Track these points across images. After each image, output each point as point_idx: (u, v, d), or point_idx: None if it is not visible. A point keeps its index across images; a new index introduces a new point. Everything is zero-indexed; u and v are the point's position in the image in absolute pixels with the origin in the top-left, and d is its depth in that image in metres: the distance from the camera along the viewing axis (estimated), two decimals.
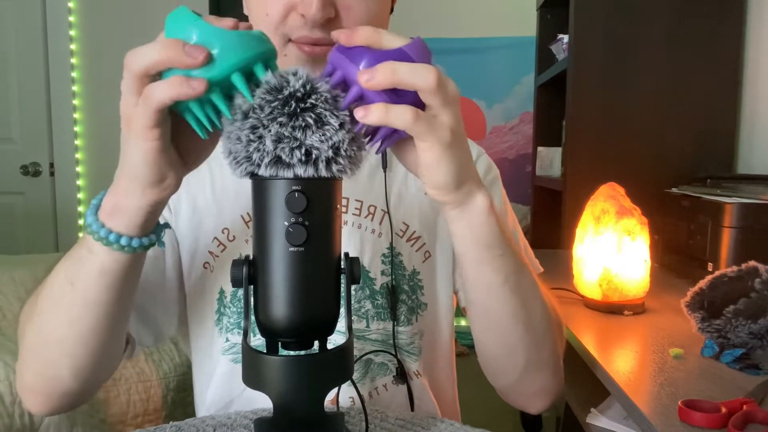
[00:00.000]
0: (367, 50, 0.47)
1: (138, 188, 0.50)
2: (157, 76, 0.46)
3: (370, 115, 0.46)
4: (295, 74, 0.45)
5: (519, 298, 0.60)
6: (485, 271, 0.58)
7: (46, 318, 0.58)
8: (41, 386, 0.62)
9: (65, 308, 0.56)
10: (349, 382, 0.52)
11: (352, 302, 0.72)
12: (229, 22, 0.46)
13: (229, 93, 0.46)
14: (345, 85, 0.48)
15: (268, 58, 0.47)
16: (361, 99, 0.47)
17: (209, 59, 0.44)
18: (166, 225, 0.56)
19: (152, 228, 0.54)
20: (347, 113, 0.46)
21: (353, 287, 0.71)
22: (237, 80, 0.45)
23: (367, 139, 0.50)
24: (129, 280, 0.56)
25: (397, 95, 0.46)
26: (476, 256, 0.57)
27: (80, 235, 2.81)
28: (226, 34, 0.45)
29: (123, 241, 0.52)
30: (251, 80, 0.46)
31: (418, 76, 0.46)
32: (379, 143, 0.50)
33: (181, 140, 0.51)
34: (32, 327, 0.60)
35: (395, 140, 0.51)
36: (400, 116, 0.46)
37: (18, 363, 0.63)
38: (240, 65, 0.45)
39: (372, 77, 0.45)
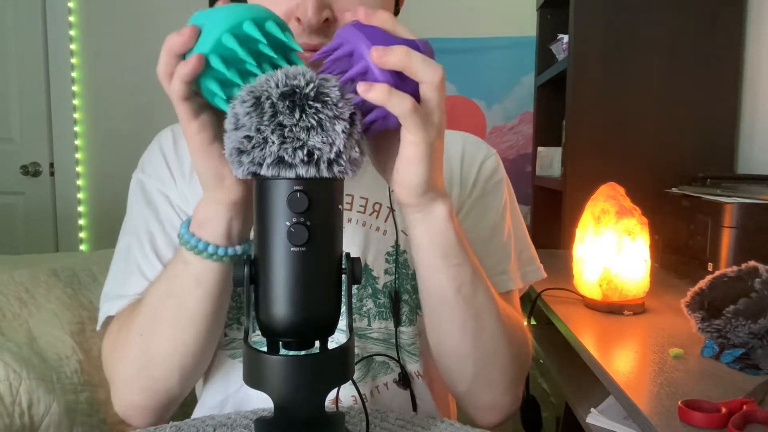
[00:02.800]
0: (382, 32, 0.48)
1: (209, 195, 0.55)
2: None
3: (373, 91, 0.47)
4: (302, 75, 0.45)
5: (471, 310, 0.61)
6: (439, 278, 0.59)
7: (149, 336, 0.62)
8: (151, 401, 0.65)
9: (170, 322, 0.61)
10: (350, 381, 0.53)
11: (355, 300, 0.72)
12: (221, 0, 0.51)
13: (233, 60, 0.49)
14: (348, 60, 0.49)
15: (259, 18, 0.50)
16: (365, 75, 0.48)
17: (196, 33, 0.49)
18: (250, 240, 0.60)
19: (240, 239, 0.58)
20: (350, 115, 0.46)
21: (355, 285, 0.71)
22: (227, 40, 0.48)
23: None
24: (223, 288, 0.60)
25: (401, 81, 0.48)
26: (431, 262, 0.59)
27: (81, 236, 2.79)
28: (213, 9, 0.50)
29: (210, 250, 0.56)
30: (256, 44, 0.50)
31: (427, 68, 0.48)
32: (370, 122, 0.50)
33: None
34: (136, 349, 0.63)
35: (381, 128, 0.51)
36: (400, 102, 0.47)
37: (116, 388, 0.67)
38: (226, 26, 0.48)
39: (385, 54, 0.47)
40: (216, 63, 0.49)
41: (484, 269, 0.64)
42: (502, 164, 0.82)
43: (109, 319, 0.72)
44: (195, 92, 0.51)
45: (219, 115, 0.53)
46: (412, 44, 0.48)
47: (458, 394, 0.70)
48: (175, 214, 0.74)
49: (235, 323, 0.73)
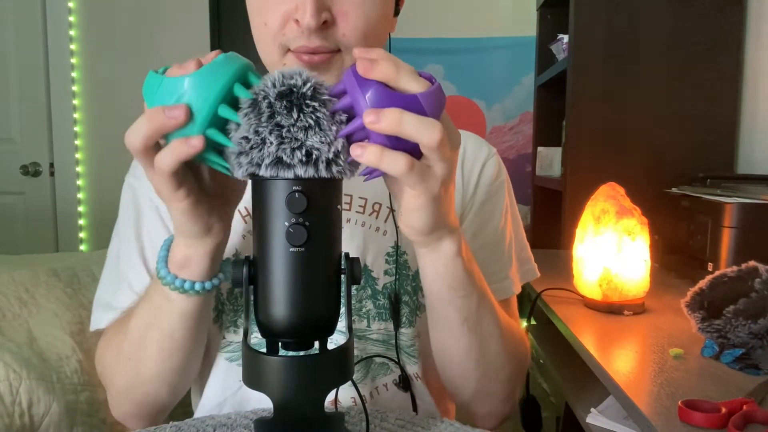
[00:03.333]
0: (382, 87, 0.46)
1: (193, 242, 0.55)
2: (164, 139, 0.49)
3: (365, 155, 0.46)
4: (299, 75, 0.45)
5: (476, 337, 0.62)
6: (445, 309, 0.60)
7: (137, 360, 0.64)
8: (143, 411, 0.69)
9: (156, 350, 0.63)
10: (350, 382, 0.53)
11: (354, 301, 0.72)
12: (191, 64, 0.47)
13: (224, 124, 0.47)
14: (351, 109, 0.47)
15: (243, 74, 0.47)
16: (363, 129, 0.46)
17: (190, 112, 0.45)
18: (228, 260, 0.60)
19: (218, 267, 0.59)
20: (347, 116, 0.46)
21: (355, 286, 0.71)
22: (224, 112, 0.46)
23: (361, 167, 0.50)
24: (206, 313, 0.63)
25: (398, 138, 0.46)
26: (437, 294, 0.59)
27: (81, 236, 2.78)
28: (191, 79, 0.46)
29: (197, 287, 0.57)
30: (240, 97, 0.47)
31: (422, 132, 0.45)
32: (367, 172, 0.50)
33: (212, 182, 0.55)
34: (126, 369, 0.66)
35: (381, 176, 0.51)
36: (393, 163, 0.46)
37: (111, 397, 0.71)
38: (218, 99, 0.46)
39: (377, 121, 0.44)
40: (217, 137, 0.46)
41: (487, 275, 0.64)
42: (503, 164, 0.82)
43: (98, 330, 0.76)
44: None
45: (196, 171, 0.53)
46: (412, 99, 0.45)
47: (459, 402, 0.72)
48: (163, 226, 0.74)
49: (232, 326, 0.72)
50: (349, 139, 0.47)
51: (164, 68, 0.49)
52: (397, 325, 0.73)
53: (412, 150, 0.47)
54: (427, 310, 0.63)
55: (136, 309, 0.64)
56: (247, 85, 0.47)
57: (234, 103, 0.47)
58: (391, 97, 0.45)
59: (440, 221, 0.53)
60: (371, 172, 0.49)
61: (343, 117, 0.46)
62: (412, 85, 0.46)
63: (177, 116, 0.45)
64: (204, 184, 0.54)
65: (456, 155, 0.50)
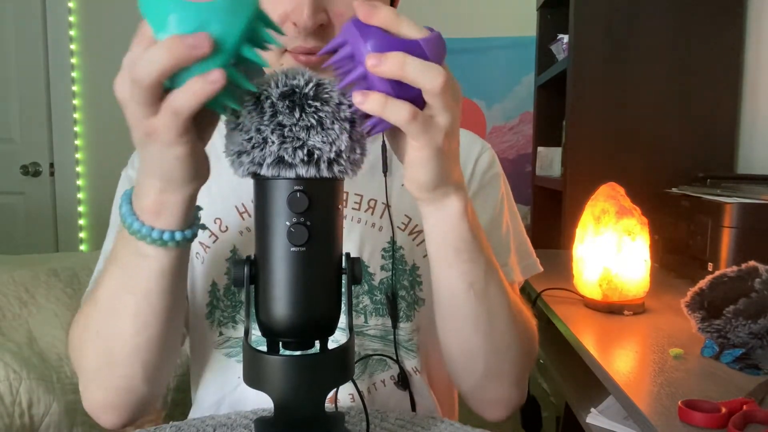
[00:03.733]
0: (383, 33, 0.45)
1: (176, 186, 0.49)
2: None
3: (368, 102, 0.45)
4: (301, 75, 0.45)
5: (483, 306, 0.59)
6: (450, 274, 0.58)
7: (110, 334, 0.57)
8: (116, 400, 0.61)
9: (131, 319, 0.56)
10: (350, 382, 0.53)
11: None
12: None
13: (243, 64, 0.43)
14: (351, 60, 0.46)
15: (261, 14, 0.44)
16: (365, 79, 0.46)
17: (214, 44, 0.40)
18: (199, 207, 0.55)
19: (193, 217, 0.53)
20: (351, 114, 0.46)
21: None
22: (248, 53, 0.42)
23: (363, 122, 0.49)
24: (184, 273, 0.57)
25: (401, 86, 0.45)
26: (443, 257, 0.57)
27: (81, 236, 2.76)
28: (209, 5, 0.40)
29: (177, 236, 0.51)
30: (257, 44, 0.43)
31: (425, 76, 0.44)
32: (370, 126, 0.49)
33: (207, 130, 0.50)
34: (95, 347, 0.59)
35: (388, 127, 0.49)
36: (396, 112, 0.45)
37: (82, 384, 0.63)
38: (244, 34, 0.41)
39: (379, 63, 0.43)
40: (238, 79, 0.42)
41: None
42: (497, 158, 0.82)
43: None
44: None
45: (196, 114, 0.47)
46: (414, 45, 0.45)
47: (466, 389, 0.68)
48: None
49: (230, 322, 0.72)
50: (354, 132, 0.46)
51: None
52: (395, 322, 0.73)
53: (415, 100, 0.46)
54: (432, 280, 0.60)
55: (103, 276, 0.57)
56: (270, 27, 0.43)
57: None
58: (392, 42, 0.45)
59: (445, 176, 0.51)
60: (374, 126, 0.48)
61: (347, 113, 0.46)
62: (413, 31, 0.45)
63: (202, 47, 0.40)
64: (197, 126, 0.48)
65: (459, 108, 0.49)
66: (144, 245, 0.51)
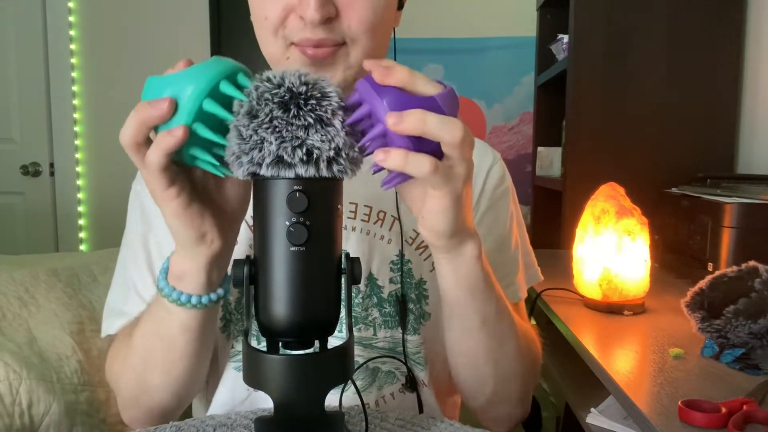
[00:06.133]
0: (399, 91, 0.46)
1: (188, 252, 0.54)
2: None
3: (390, 160, 0.45)
4: (297, 73, 0.45)
5: (495, 340, 0.62)
6: (465, 312, 0.59)
7: (142, 370, 0.64)
8: (152, 416, 0.68)
9: (160, 361, 0.62)
10: (353, 388, 0.53)
11: (360, 310, 0.72)
12: (180, 64, 0.48)
13: (214, 122, 0.48)
14: (368, 119, 0.47)
15: (232, 74, 0.48)
16: (384, 136, 0.46)
17: (173, 105, 0.46)
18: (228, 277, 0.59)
19: (220, 282, 0.58)
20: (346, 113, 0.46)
21: (361, 295, 0.71)
22: (209, 106, 0.47)
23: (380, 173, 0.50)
24: (209, 327, 0.62)
25: (419, 140, 0.46)
26: (457, 299, 0.59)
27: (81, 236, 2.76)
28: (177, 75, 0.47)
29: (194, 300, 0.56)
30: (230, 98, 0.47)
31: (445, 130, 0.45)
32: (389, 180, 0.50)
33: (206, 186, 0.54)
34: (130, 378, 0.66)
35: (406, 179, 0.50)
36: (419, 166, 0.46)
37: (120, 405, 0.70)
38: (203, 92, 0.46)
39: (401, 122, 0.44)
40: (202, 131, 0.47)
41: None
42: (506, 169, 0.81)
43: (109, 336, 0.75)
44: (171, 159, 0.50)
45: (189, 173, 0.52)
46: (431, 101, 0.46)
47: (473, 407, 0.71)
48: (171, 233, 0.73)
49: (241, 335, 0.72)
50: (355, 135, 0.47)
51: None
52: (404, 328, 0.72)
53: (434, 152, 0.47)
54: (446, 316, 0.62)
55: (141, 319, 0.64)
56: (238, 86, 0.48)
57: (227, 104, 0.47)
58: (409, 100, 0.46)
59: (462, 223, 0.52)
60: (390, 180, 0.49)
61: (346, 113, 0.46)
62: (427, 88, 0.46)
63: (161, 107, 0.46)
64: (197, 186, 0.53)
65: (472, 151, 0.50)
66: (172, 306, 0.57)
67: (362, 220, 0.73)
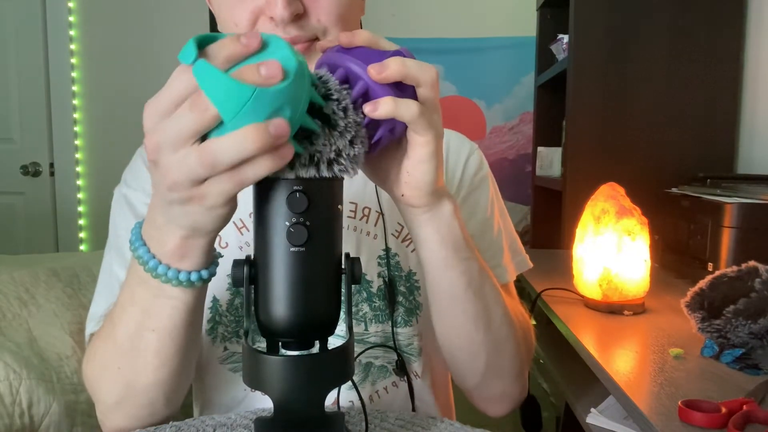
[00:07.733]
0: (367, 49, 0.49)
1: (204, 232, 0.49)
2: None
3: (380, 108, 0.46)
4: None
5: (481, 302, 0.61)
6: (450, 274, 0.59)
7: (131, 370, 0.59)
8: (137, 424, 0.63)
9: (152, 356, 0.57)
10: (350, 384, 0.52)
11: None
12: (254, 41, 0.41)
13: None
14: (345, 83, 0.48)
15: (312, 79, 0.45)
16: (365, 95, 0.47)
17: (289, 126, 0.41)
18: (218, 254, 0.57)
19: (214, 251, 0.54)
20: (351, 114, 0.46)
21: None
22: (308, 123, 0.43)
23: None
24: (199, 313, 0.58)
25: (399, 90, 0.48)
26: (442, 259, 0.58)
27: (81, 236, 2.75)
28: (282, 91, 0.40)
29: (204, 275, 0.52)
30: None
31: (423, 71, 0.48)
32: (377, 139, 0.50)
33: None
34: (115, 382, 0.60)
35: (387, 143, 0.51)
36: (407, 109, 0.47)
37: (101, 413, 0.65)
38: (305, 108, 0.42)
39: (383, 70, 0.47)
40: (296, 147, 0.43)
41: None
42: (485, 158, 0.83)
43: (91, 337, 0.71)
44: None
45: None
46: (399, 54, 0.49)
47: (470, 387, 0.69)
48: None
49: (234, 336, 0.72)
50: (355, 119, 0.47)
51: (200, 59, 0.40)
52: (392, 311, 0.73)
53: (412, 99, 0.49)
54: (430, 285, 0.61)
55: (119, 315, 0.58)
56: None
57: None
58: (380, 53, 0.48)
59: (439, 177, 0.54)
60: (377, 143, 0.50)
61: (345, 109, 0.46)
62: (390, 44, 0.50)
63: (283, 135, 0.40)
64: None
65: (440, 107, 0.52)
66: (169, 287, 0.52)
67: (349, 217, 0.74)
